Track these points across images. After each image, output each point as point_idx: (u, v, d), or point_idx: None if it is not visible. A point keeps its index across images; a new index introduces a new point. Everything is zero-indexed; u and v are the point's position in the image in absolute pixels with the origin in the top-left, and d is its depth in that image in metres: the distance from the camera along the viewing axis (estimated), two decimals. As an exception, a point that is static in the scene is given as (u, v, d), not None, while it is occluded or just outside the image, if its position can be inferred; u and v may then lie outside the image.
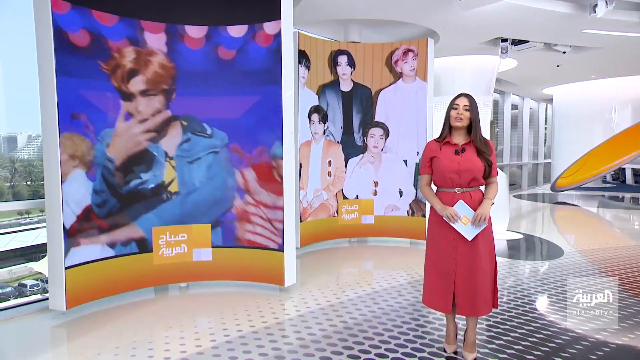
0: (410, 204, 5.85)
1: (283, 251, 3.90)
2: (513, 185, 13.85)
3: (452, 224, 2.48)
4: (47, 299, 3.41)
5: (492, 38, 6.85)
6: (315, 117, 5.53)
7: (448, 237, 2.54)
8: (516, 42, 7.04)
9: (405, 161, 5.83)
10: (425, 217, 5.77)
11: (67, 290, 3.29)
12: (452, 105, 2.56)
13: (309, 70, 5.41)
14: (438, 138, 2.64)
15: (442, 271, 2.56)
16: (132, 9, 3.64)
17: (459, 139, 2.57)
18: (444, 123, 2.60)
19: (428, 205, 5.89)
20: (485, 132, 7.75)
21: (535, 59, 8.20)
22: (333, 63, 5.70)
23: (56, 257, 3.29)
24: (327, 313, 3.45)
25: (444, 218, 2.52)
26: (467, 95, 2.55)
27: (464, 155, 2.52)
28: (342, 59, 5.73)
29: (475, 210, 2.48)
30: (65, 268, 3.29)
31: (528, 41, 6.96)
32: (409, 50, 5.73)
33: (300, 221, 5.31)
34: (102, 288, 3.57)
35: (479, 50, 7.41)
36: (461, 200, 2.49)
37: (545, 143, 16.26)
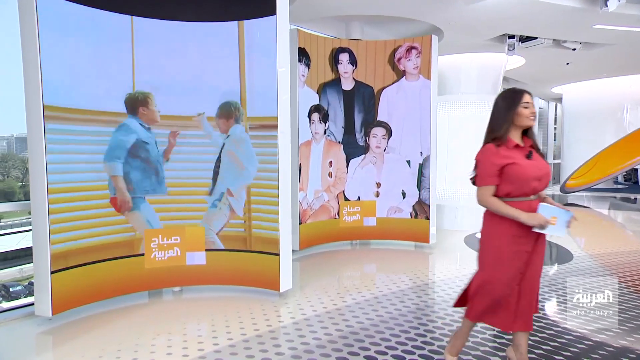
0: (413, 206, 5.68)
1: (279, 255, 3.76)
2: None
3: (541, 231, 2.18)
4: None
5: (499, 35, 6.66)
6: (315, 116, 5.38)
7: (524, 253, 2.24)
8: (524, 39, 6.83)
9: (409, 162, 5.66)
10: (429, 219, 5.60)
11: (53, 295, 3.18)
12: (521, 104, 2.22)
13: (309, 68, 5.26)
14: (495, 141, 2.23)
15: (510, 286, 2.26)
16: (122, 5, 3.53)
17: (517, 140, 2.26)
18: (502, 121, 2.23)
19: (435, 208, 5.75)
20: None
21: (544, 56, 7.99)
22: (334, 61, 5.55)
23: (41, 261, 3.18)
24: (322, 320, 3.30)
25: (533, 228, 2.17)
26: (530, 92, 2.30)
27: (535, 158, 2.23)
28: (344, 57, 5.58)
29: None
30: (52, 272, 3.18)
31: (536, 38, 6.75)
32: (412, 47, 5.56)
33: (300, 223, 5.17)
34: (90, 293, 3.45)
35: (485, 48, 7.21)
36: (541, 204, 2.20)
37: (554, 143, 15.95)
